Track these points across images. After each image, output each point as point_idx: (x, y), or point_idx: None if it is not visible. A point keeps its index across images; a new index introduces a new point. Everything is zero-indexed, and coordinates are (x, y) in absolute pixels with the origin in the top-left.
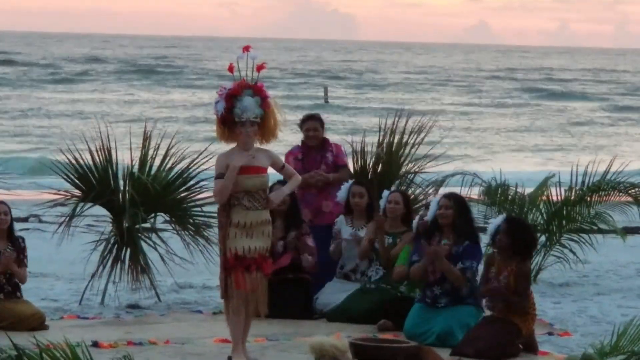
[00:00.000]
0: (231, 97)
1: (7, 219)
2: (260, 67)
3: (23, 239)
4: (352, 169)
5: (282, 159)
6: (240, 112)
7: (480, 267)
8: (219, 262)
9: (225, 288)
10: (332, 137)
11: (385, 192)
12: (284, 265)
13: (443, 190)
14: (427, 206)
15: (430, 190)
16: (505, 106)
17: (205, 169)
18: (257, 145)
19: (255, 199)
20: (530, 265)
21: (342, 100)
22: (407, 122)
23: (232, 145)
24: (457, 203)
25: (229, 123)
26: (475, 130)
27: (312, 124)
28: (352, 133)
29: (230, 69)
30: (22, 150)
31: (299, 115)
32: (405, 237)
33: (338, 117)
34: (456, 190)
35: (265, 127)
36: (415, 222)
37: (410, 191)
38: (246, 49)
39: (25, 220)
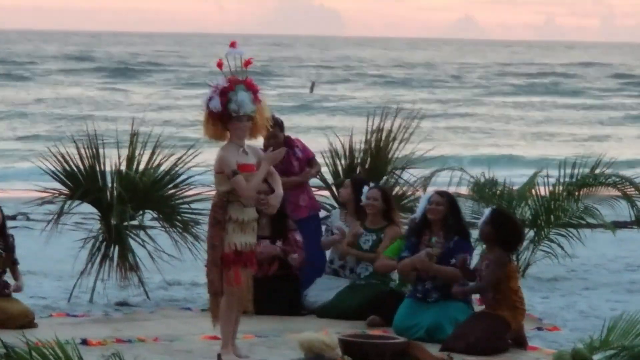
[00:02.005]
0: (225, 93)
1: None
2: (247, 63)
3: (13, 237)
4: (339, 167)
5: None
6: (237, 107)
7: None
8: (208, 259)
9: (219, 284)
10: (322, 134)
11: (365, 188)
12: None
13: (430, 186)
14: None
15: (419, 186)
16: (494, 102)
17: (193, 166)
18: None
19: None
20: (508, 257)
21: (329, 96)
22: (395, 118)
23: (221, 143)
24: (449, 200)
25: (224, 119)
26: (463, 127)
27: (271, 132)
28: (339, 130)
29: (219, 65)
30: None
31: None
32: (389, 231)
33: (325, 113)
34: (444, 186)
35: (255, 122)
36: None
37: (397, 187)
38: (232, 44)
39: (13, 218)
